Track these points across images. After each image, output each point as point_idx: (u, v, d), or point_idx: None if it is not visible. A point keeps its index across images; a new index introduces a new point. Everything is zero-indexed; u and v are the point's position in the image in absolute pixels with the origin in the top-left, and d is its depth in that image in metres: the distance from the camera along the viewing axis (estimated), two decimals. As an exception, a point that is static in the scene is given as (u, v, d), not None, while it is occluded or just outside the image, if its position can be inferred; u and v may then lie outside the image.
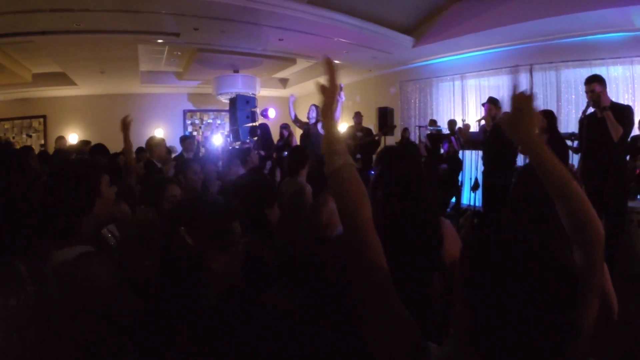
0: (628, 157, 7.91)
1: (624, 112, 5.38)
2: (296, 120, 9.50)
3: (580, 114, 5.81)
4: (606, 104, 5.34)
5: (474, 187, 9.02)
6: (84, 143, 9.16)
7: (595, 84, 5.40)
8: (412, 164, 2.61)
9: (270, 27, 9.57)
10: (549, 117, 6.71)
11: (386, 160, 2.74)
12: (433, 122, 12.27)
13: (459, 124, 11.02)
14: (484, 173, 7.80)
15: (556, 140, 6.77)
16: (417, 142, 11.99)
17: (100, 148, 7.28)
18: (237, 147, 10.80)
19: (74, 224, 2.06)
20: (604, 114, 5.26)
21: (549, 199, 1.69)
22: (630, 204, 6.64)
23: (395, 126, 11.21)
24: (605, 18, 8.78)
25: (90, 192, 2.16)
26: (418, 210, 2.09)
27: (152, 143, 7.28)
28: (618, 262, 5.49)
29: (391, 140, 11.82)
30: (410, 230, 1.97)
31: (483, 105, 7.61)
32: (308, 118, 8.73)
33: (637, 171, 7.48)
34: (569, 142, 7.36)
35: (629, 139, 6.18)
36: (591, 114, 5.54)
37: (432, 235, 2.03)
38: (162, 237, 1.70)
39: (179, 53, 12.39)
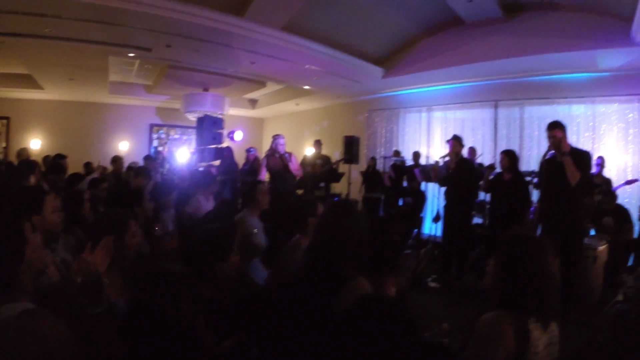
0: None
1: (583, 158, 5.57)
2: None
3: (542, 152, 5.97)
4: (566, 150, 5.51)
5: (436, 219, 9.17)
6: (58, 157, 8.96)
7: (557, 130, 5.59)
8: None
9: (243, 51, 9.64)
10: (511, 157, 6.98)
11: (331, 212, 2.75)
12: (397, 153, 12.47)
13: (423, 157, 11.26)
14: (446, 207, 7.96)
15: (519, 179, 7.02)
16: (382, 171, 12.11)
17: (56, 167, 7.10)
18: (201, 168, 10.71)
19: (13, 275, 1.91)
20: (563, 159, 5.43)
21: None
22: (586, 240, 6.92)
23: (357, 156, 11.19)
24: (571, 59, 9.15)
25: (18, 241, 2.00)
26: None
27: None
28: (574, 296, 5.68)
29: (357, 168, 11.92)
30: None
31: (447, 142, 7.79)
32: (276, 148, 8.57)
33: (595, 205, 7.74)
34: (528, 178, 7.60)
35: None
36: (551, 157, 5.71)
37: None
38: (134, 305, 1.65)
39: (149, 67, 12.30)
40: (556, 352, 2.19)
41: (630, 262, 8.12)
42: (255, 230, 4.85)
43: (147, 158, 10.42)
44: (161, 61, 11.18)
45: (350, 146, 10.45)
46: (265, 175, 8.45)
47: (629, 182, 8.73)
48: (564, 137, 5.60)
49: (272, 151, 8.50)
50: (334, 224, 2.56)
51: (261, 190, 5.09)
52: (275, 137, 8.54)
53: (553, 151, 5.70)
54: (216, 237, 2.82)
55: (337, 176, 11.23)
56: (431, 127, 13.08)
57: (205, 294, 2.38)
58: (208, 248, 2.70)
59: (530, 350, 2.06)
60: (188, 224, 4.49)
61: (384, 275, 2.75)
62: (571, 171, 5.37)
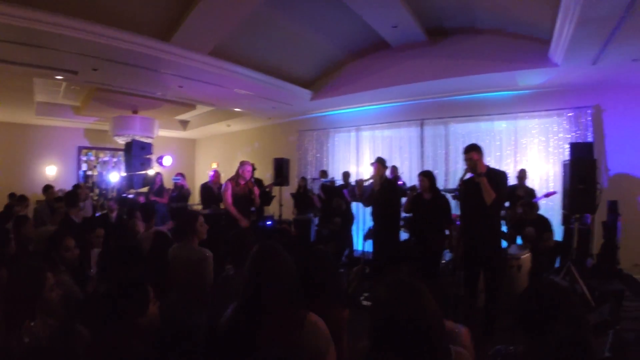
0: (508, 204, 8.61)
1: (498, 178, 5.81)
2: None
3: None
4: (482, 171, 5.76)
5: (367, 237, 9.34)
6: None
7: (473, 152, 5.80)
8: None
9: (171, 75, 9.61)
10: (429, 177, 7.27)
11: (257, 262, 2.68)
12: (324, 173, 12.61)
13: (353, 176, 11.43)
14: (373, 227, 8.16)
15: (438, 198, 7.28)
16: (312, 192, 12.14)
17: None
18: (131, 195, 10.53)
19: None
20: (479, 180, 5.66)
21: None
22: (510, 251, 7.44)
23: (287, 178, 11.13)
24: (493, 79, 9.64)
25: None
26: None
27: None
28: (501, 305, 5.90)
29: (289, 189, 11.99)
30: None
31: (372, 164, 7.97)
32: (243, 175, 8.52)
33: (518, 216, 8.07)
34: (450, 195, 7.88)
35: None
36: (469, 178, 5.93)
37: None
38: None
39: (77, 88, 11.92)
40: None
41: (557, 265, 8.62)
42: None
43: (77, 187, 10.05)
44: (88, 84, 10.93)
45: (280, 168, 10.48)
46: (229, 201, 8.35)
47: (547, 195, 9.13)
48: (480, 159, 5.82)
49: (238, 177, 8.48)
50: (259, 272, 2.55)
51: (201, 222, 4.90)
52: (243, 164, 8.57)
53: (471, 174, 5.93)
54: (131, 291, 2.59)
55: (268, 199, 11.23)
56: (360, 146, 13.40)
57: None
58: (122, 303, 2.51)
59: None
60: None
61: (329, 305, 2.79)
62: (487, 191, 5.60)
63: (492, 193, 5.60)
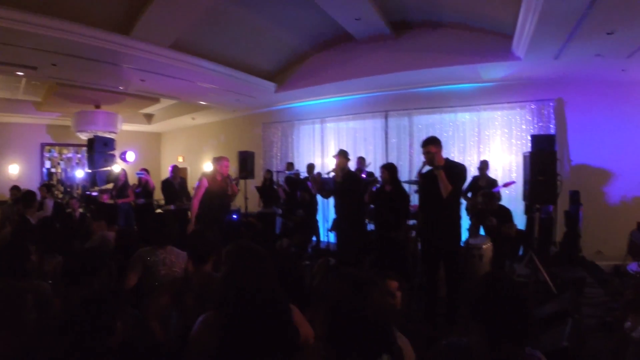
0: (470, 195, 8.71)
1: (456, 171, 5.89)
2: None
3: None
4: (440, 164, 5.81)
5: (331, 228, 9.34)
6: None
7: (431, 145, 5.85)
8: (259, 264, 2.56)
9: (132, 69, 9.48)
10: (390, 170, 7.28)
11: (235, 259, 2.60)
12: (290, 166, 12.59)
13: (317, 168, 11.43)
14: (337, 220, 8.18)
15: (399, 190, 7.29)
16: (277, 185, 12.10)
17: None
18: (95, 193, 10.38)
19: None
20: (437, 173, 5.71)
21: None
22: (472, 240, 7.47)
23: (252, 171, 10.98)
24: (456, 72, 9.73)
25: None
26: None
27: None
28: (463, 294, 5.93)
29: (253, 183, 11.92)
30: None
31: (334, 157, 7.94)
32: (221, 170, 8.36)
33: (479, 206, 8.13)
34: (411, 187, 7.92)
35: (467, 185, 6.76)
36: (428, 171, 5.97)
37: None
38: None
39: (37, 83, 11.73)
40: None
41: (520, 253, 8.82)
42: None
43: (49, 187, 9.82)
44: (48, 79, 10.69)
45: (245, 162, 10.41)
46: (196, 198, 8.18)
47: (506, 185, 9.27)
48: (438, 152, 5.87)
49: (215, 172, 8.32)
50: (243, 276, 2.46)
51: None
52: (220, 159, 8.38)
53: (430, 166, 5.96)
54: (96, 313, 2.38)
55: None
56: (325, 137, 13.43)
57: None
58: (86, 327, 2.31)
59: None
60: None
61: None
62: (444, 184, 5.67)
63: (448, 186, 5.67)
